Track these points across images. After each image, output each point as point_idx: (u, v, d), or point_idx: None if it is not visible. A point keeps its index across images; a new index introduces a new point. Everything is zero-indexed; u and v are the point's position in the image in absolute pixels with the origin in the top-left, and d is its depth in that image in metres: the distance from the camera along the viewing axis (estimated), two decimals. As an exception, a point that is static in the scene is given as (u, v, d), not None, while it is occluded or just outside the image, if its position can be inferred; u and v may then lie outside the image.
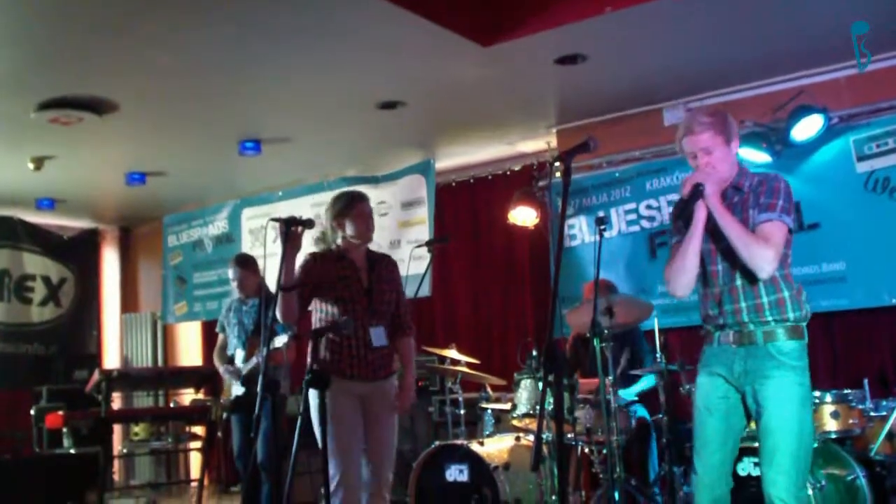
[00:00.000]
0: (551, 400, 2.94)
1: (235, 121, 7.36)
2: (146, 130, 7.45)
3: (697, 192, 3.42)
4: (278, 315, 4.30)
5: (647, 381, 6.10)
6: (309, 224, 4.30)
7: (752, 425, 3.60)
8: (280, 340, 6.05)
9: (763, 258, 3.35)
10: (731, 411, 3.51)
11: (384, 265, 4.66)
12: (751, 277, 3.42)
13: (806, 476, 3.39)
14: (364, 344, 4.42)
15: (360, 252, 4.60)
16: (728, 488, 3.51)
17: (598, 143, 3.23)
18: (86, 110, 6.66)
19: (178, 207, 10.10)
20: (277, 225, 4.22)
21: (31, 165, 7.96)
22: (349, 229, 4.52)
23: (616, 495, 5.13)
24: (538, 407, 5.30)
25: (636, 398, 6.11)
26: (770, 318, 3.43)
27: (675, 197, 7.00)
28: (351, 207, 4.55)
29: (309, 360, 4.22)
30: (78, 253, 10.96)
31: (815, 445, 3.58)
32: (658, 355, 5.71)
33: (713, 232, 3.49)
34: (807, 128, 6.23)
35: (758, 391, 3.41)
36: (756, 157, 6.56)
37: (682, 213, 3.53)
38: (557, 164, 3.12)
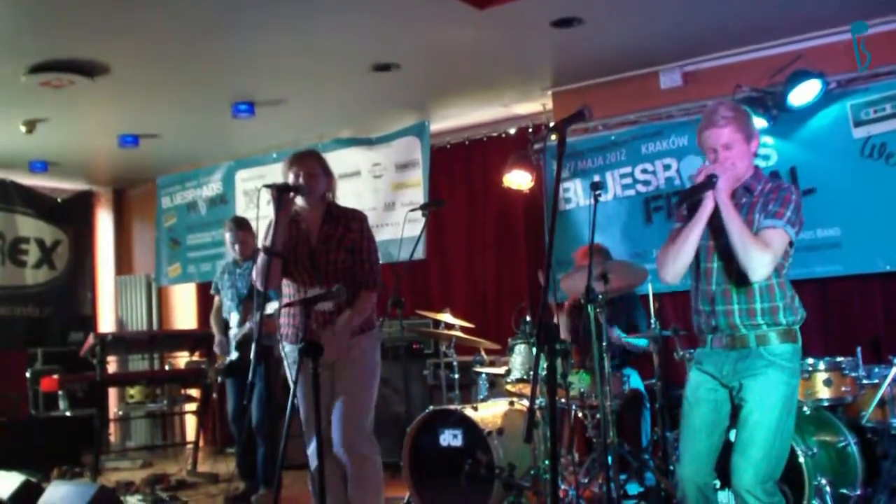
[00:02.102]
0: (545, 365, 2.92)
1: (228, 83, 7.30)
2: (138, 93, 7.38)
3: (710, 182, 3.38)
4: (258, 282, 4.26)
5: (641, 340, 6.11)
6: (301, 190, 4.30)
7: None
8: (272, 306, 6.05)
9: (759, 261, 3.31)
10: (720, 404, 3.53)
11: (342, 222, 4.43)
12: (745, 281, 3.39)
13: (776, 474, 3.37)
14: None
15: (315, 212, 4.44)
16: (711, 479, 3.53)
17: (593, 112, 3.21)
18: (77, 73, 6.59)
19: (171, 169, 10.05)
20: (269, 191, 4.20)
21: (23, 128, 7.91)
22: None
23: (609, 459, 5.17)
24: (533, 367, 5.33)
25: (630, 346, 6.10)
26: (762, 322, 3.42)
27: (670, 161, 7.01)
28: (292, 167, 4.40)
29: (299, 329, 4.23)
30: (72, 215, 10.93)
31: (791, 443, 3.56)
32: (653, 321, 5.72)
33: (714, 229, 3.47)
34: (804, 93, 6.19)
35: (744, 386, 3.43)
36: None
37: (689, 198, 3.49)
38: (553, 136, 3.07)
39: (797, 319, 3.46)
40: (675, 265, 3.52)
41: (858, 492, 4.64)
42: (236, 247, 6.62)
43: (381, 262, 4.60)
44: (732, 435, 3.50)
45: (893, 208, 6.04)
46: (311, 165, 4.41)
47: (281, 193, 4.17)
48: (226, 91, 7.49)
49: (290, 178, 4.36)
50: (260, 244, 4.35)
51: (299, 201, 4.40)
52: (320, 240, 4.38)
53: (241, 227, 6.66)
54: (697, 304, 3.57)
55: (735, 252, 3.35)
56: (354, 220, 4.45)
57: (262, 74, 7.11)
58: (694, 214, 3.50)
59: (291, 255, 4.37)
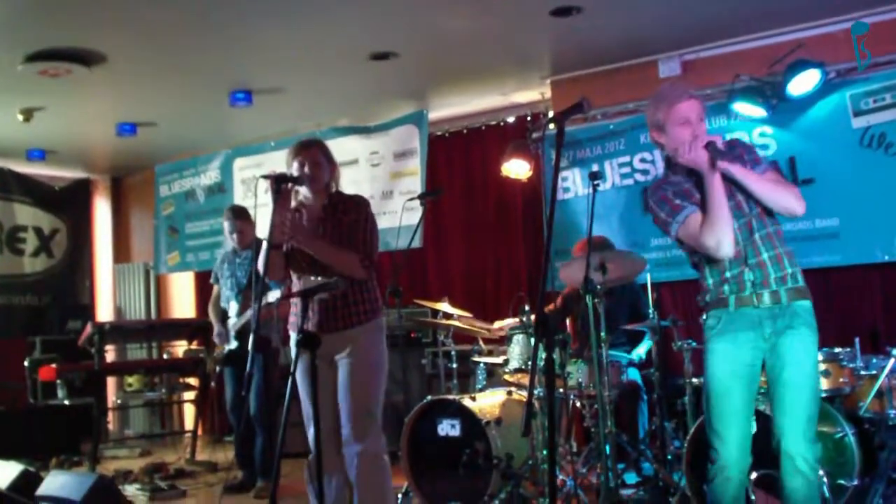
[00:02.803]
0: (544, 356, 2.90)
1: (226, 71, 7.28)
2: (135, 82, 7.37)
3: (715, 148, 3.41)
4: (262, 272, 4.24)
5: (648, 342, 6.13)
6: (298, 181, 4.25)
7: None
8: (273, 296, 6.05)
9: (796, 195, 3.45)
10: (753, 379, 3.52)
11: (341, 208, 4.35)
12: (774, 249, 3.48)
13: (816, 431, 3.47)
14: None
15: (318, 201, 4.36)
16: (751, 459, 3.52)
17: (592, 103, 3.20)
18: (74, 62, 6.59)
19: (169, 157, 10.02)
20: (268, 181, 4.17)
21: (20, 117, 7.90)
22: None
23: (607, 449, 5.18)
24: (530, 363, 5.33)
25: (638, 360, 6.14)
26: (789, 272, 3.48)
27: (669, 150, 6.96)
28: (296, 156, 4.33)
29: (298, 320, 4.21)
30: (69, 203, 10.92)
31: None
32: (651, 311, 5.72)
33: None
34: (803, 82, 6.18)
35: (780, 345, 3.45)
36: (752, 111, 6.52)
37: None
38: (551, 125, 3.06)
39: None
40: (730, 235, 3.42)
41: (855, 482, 4.64)
42: (234, 236, 6.61)
43: (378, 250, 4.50)
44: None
45: (892, 198, 6.04)
46: (315, 154, 4.35)
47: (279, 184, 4.12)
48: (223, 79, 7.47)
49: (295, 167, 4.30)
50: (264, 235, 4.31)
51: (303, 191, 4.35)
52: (320, 228, 4.33)
53: (239, 216, 6.64)
54: (721, 273, 3.52)
55: (768, 202, 3.46)
56: (354, 204, 4.37)
57: (259, 63, 7.09)
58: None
59: (289, 245, 4.33)
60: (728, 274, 3.52)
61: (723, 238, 3.42)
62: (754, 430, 3.58)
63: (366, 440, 4.21)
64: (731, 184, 3.49)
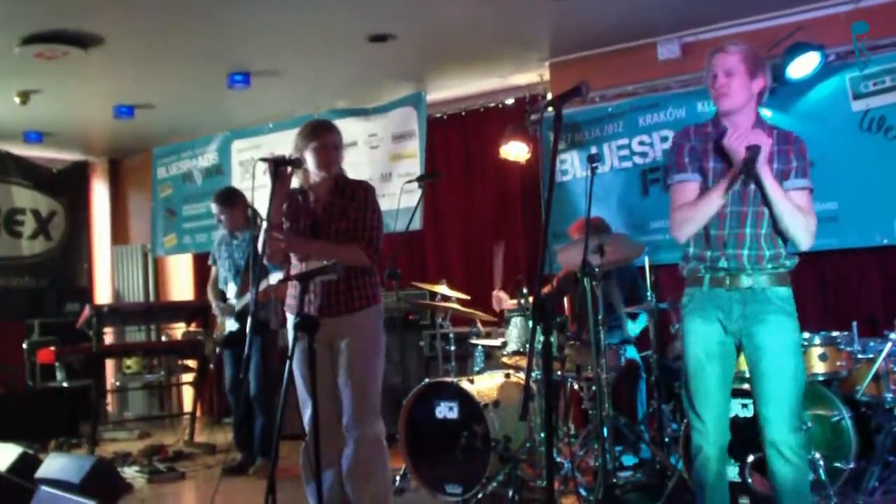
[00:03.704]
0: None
1: (224, 54, 7.25)
2: (132, 64, 7.34)
3: (754, 157, 3.30)
4: (262, 255, 4.25)
5: (643, 321, 6.13)
6: (297, 163, 4.21)
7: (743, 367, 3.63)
8: (274, 278, 6.04)
9: (812, 231, 3.42)
10: (726, 357, 3.52)
11: (348, 193, 4.32)
12: (757, 227, 3.44)
13: (801, 417, 3.47)
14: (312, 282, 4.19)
15: (324, 185, 4.35)
16: (729, 436, 3.54)
17: (590, 86, 3.18)
18: (71, 44, 6.55)
19: (167, 139, 10.01)
20: (265, 165, 4.15)
21: (17, 100, 7.88)
22: (309, 162, 4.28)
23: (605, 432, 5.19)
24: (528, 346, 5.34)
25: (633, 337, 6.15)
26: (768, 266, 3.45)
27: (668, 133, 6.97)
28: (311, 139, 4.28)
29: (296, 303, 4.21)
30: (67, 186, 10.91)
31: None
32: (649, 293, 5.72)
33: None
34: (803, 65, 6.15)
35: (755, 334, 3.44)
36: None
37: (747, 176, 3.37)
38: (550, 109, 3.04)
39: (794, 264, 3.51)
40: (693, 229, 3.51)
41: (852, 465, 4.66)
42: (222, 218, 6.60)
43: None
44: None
45: (891, 182, 6.02)
46: (330, 137, 4.33)
47: (277, 166, 4.12)
48: (221, 62, 7.44)
49: (309, 150, 4.28)
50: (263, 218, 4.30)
51: (312, 173, 4.33)
52: (325, 211, 4.31)
53: (224, 202, 6.59)
54: (703, 249, 3.52)
55: (782, 224, 3.40)
56: (360, 190, 4.35)
57: (257, 45, 7.06)
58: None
59: (293, 228, 4.31)
60: (707, 254, 3.51)
61: (686, 231, 3.53)
62: (749, 413, 3.60)
63: (365, 425, 4.22)
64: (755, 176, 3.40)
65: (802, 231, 3.40)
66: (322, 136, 4.31)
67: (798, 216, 3.38)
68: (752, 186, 3.44)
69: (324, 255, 4.13)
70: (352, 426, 4.22)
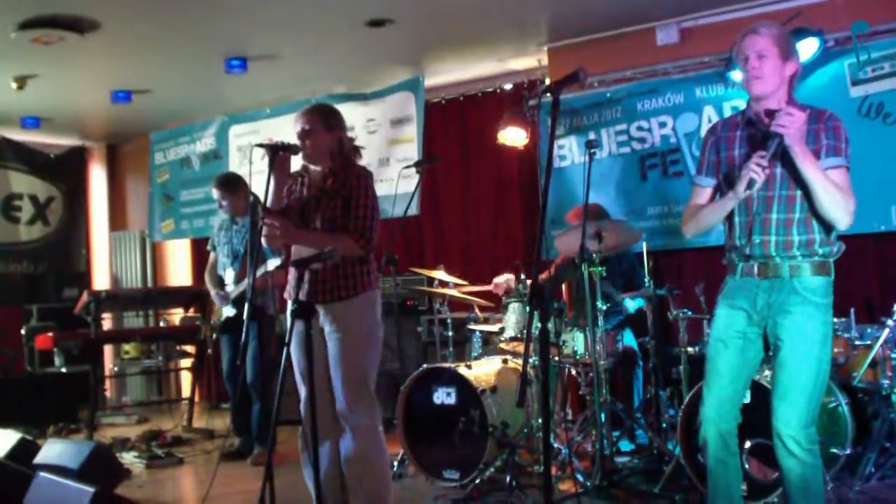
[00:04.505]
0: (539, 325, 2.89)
1: (221, 38, 7.22)
2: (130, 49, 7.31)
3: (775, 142, 3.23)
4: (264, 241, 4.24)
5: (640, 300, 6.13)
6: (294, 149, 4.19)
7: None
8: (272, 264, 6.05)
9: (850, 210, 3.28)
10: (747, 346, 3.48)
11: (341, 178, 4.25)
12: (786, 211, 3.36)
13: (817, 413, 3.37)
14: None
15: (319, 171, 4.32)
16: (735, 423, 3.52)
17: (588, 73, 3.17)
18: (67, 29, 6.52)
19: (165, 124, 9.99)
20: (264, 150, 4.13)
21: (13, 85, 7.85)
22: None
23: (602, 417, 5.21)
24: (526, 332, 5.35)
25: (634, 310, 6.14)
26: (798, 254, 3.37)
27: (666, 118, 6.96)
28: (294, 123, 4.29)
29: (292, 289, 4.21)
30: (65, 171, 10.87)
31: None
32: (647, 279, 5.72)
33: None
34: (801, 51, 6.11)
35: (779, 325, 3.38)
36: (749, 79, 6.47)
37: (731, 168, 3.38)
38: (548, 95, 3.03)
39: (833, 252, 3.41)
40: (699, 229, 3.57)
41: (848, 451, 4.68)
42: (224, 204, 6.60)
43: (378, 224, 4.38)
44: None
45: (889, 168, 6.01)
46: (309, 121, 4.27)
47: (275, 152, 4.10)
48: (218, 46, 7.41)
49: (296, 134, 4.28)
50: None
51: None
52: (315, 198, 4.28)
53: (225, 188, 6.58)
54: (733, 238, 3.50)
55: (818, 201, 3.28)
56: (352, 178, 4.26)
57: (255, 30, 7.03)
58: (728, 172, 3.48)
59: (288, 214, 4.29)
60: (737, 242, 3.49)
61: (689, 231, 3.63)
62: (747, 399, 3.59)
63: (356, 414, 4.17)
64: (783, 157, 3.32)
65: (841, 210, 3.27)
66: (297, 121, 4.30)
67: (836, 194, 3.26)
68: (779, 169, 3.35)
69: (314, 246, 4.11)
70: (343, 415, 4.19)
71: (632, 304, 6.16)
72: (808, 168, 3.25)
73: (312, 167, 4.35)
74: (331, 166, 4.30)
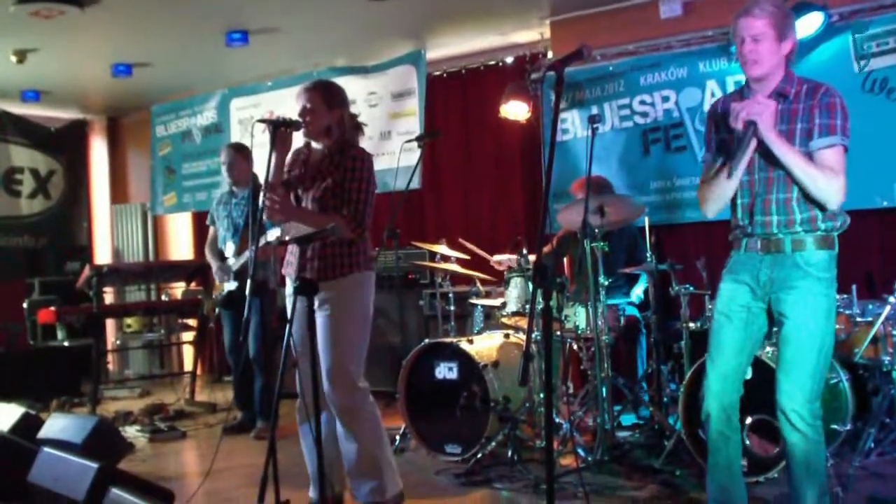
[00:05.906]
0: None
1: (222, 11, 7.19)
2: (129, 22, 7.28)
3: (750, 131, 3.26)
4: (265, 214, 4.23)
5: (644, 283, 6.14)
6: (296, 125, 4.18)
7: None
8: (272, 234, 6.03)
9: (835, 191, 3.27)
10: (751, 320, 3.48)
11: (337, 159, 4.22)
12: (785, 191, 3.36)
13: (821, 388, 3.37)
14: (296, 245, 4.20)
15: (318, 148, 4.31)
16: (738, 396, 3.52)
17: (591, 48, 3.15)
18: (67, 3, 6.50)
19: (166, 97, 9.96)
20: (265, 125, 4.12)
21: (13, 58, 7.83)
22: None
23: (604, 391, 5.22)
24: (527, 306, 5.35)
25: (639, 301, 6.17)
26: (800, 230, 3.37)
27: (669, 93, 6.93)
28: (296, 100, 4.27)
29: (295, 267, 4.21)
30: (66, 144, 10.86)
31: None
32: (648, 254, 5.72)
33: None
34: (806, 25, 6.07)
35: (782, 300, 3.38)
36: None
37: (740, 154, 3.34)
38: (551, 72, 3.01)
39: (836, 226, 3.40)
40: (719, 205, 3.52)
41: (849, 427, 4.70)
42: (229, 170, 6.59)
43: (377, 191, 4.39)
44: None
45: (892, 143, 5.99)
46: (310, 98, 4.25)
47: (276, 128, 4.09)
48: (219, 19, 7.39)
49: (298, 111, 4.27)
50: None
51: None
52: (308, 173, 4.27)
53: (238, 150, 6.63)
54: (737, 218, 3.51)
55: (803, 184, 3.28)
56: (348, 160, 4.21)
57: (255, 3, 6.99)
58: (726, 150, 3.46)
59: (288, 188, 4.28)
60: (739, 222, 3.51)
61: (707, 209, 3.56)
62: (749, 375, 3.59)
63: (337, 394, 4.17)
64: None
65: (824, 192, 3.26)
66: (299, 98, 4.27)
67: (818, 177, 3.25)
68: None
69: (305, 224, 4.11)
70: (326, 392, 4.18)
71: (639, 290, 6.19)
72: (785, 154, 3.27)
73: (314, 144, 4.34)
74: (329, 146, 4.29)
